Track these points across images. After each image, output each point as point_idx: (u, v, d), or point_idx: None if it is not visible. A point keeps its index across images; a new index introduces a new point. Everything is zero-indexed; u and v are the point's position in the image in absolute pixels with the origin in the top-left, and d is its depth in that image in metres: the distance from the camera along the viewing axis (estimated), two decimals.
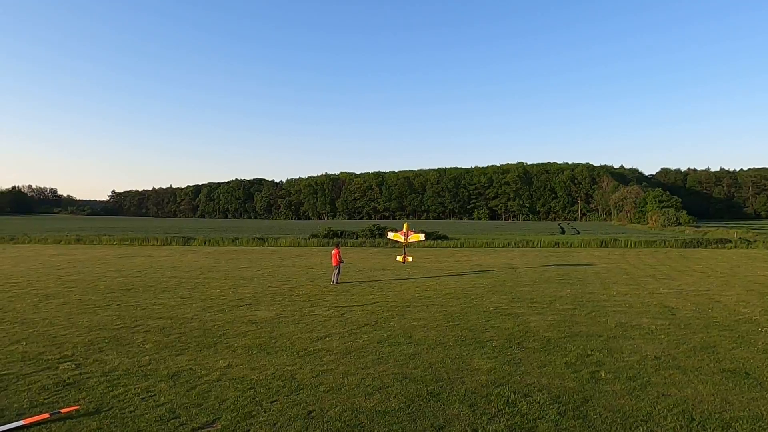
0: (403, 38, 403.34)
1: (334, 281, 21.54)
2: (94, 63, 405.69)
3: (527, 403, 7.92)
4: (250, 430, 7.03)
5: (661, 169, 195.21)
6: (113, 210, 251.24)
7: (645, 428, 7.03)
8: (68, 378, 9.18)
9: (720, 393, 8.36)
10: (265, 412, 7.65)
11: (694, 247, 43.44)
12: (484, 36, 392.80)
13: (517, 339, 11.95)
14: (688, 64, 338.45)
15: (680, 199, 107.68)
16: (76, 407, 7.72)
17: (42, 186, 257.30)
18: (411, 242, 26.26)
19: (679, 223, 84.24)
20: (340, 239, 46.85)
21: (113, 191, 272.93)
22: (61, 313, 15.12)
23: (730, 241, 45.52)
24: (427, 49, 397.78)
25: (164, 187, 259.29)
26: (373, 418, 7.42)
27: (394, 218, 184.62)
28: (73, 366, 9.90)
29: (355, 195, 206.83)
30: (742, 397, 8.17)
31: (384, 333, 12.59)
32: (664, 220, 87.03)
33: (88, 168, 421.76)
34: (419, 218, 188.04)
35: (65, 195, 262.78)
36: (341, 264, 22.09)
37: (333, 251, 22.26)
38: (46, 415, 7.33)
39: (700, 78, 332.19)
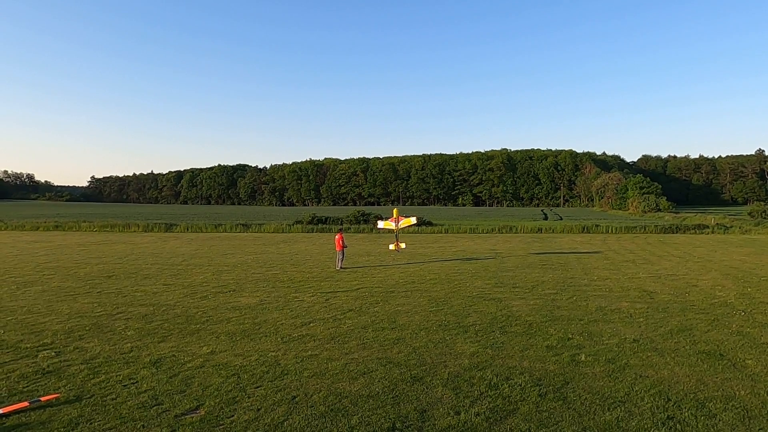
0: (390, 20, 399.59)
1: (338, 266, 21.60)
2: (73, 44, 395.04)
3: (509, 386, 8.04)
4: (233, 415, 7.02)
5: (642, 155, 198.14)
6: (93, 196, 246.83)
7: (623, 409, 7.20)
8: (48, 366, 9.04)
9: (695, 374, 8.58)
10: (248, 397, 7.64)
11: (673, 233, 44.26)
12: (469, 17, 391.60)
13: (500, 323, 12.09)
14: (672, 52, 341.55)
15: (660, 186, 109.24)
16: (56, 395, 7.62)
17: (18, 171, 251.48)
18: (402, 227, 25.49)
19: (659, 209, 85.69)
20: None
21: (92, 177, 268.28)
22: (39, 301, 14.86)
23: (708, 227, 46.49)
24: (411, 32, 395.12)
25: (145, 173, 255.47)
26: (356, 402, 7.47)
27: (378, 204, 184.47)
28: (53, 354, 9.76)
29: (340, 181, 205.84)
30: (716, 378, 8.40)
31: (368, 318, 12.64)
32: (644, 206, 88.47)
33: (67, 153, 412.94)
34: (404, 204, 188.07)
35: (43, 181, 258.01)
36: (345, 249, 22.11)
37: (336, 236, 22.24)
38: (26, 404, 7.22)
39: (682, 66, 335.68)
